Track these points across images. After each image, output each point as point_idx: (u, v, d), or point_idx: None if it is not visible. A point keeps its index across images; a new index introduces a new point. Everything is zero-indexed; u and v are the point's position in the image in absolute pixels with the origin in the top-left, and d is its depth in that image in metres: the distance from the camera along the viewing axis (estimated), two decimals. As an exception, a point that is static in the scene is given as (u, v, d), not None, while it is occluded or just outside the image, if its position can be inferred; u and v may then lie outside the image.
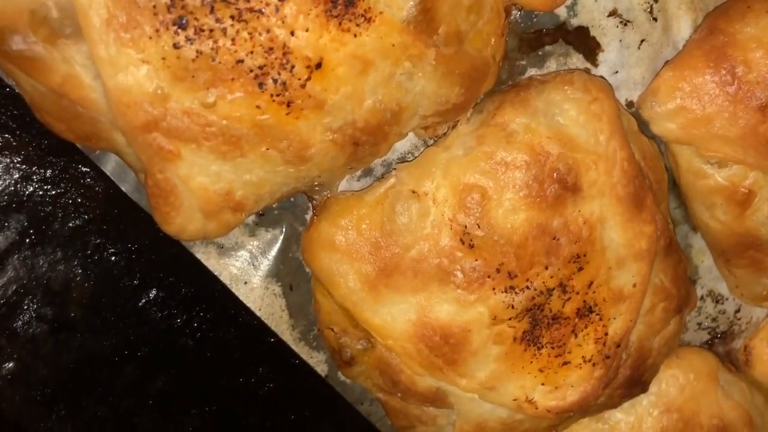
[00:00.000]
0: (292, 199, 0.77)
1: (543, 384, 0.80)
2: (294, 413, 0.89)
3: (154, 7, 0.55)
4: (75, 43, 0.57)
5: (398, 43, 0.61)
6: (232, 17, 0.56)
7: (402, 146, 0.78)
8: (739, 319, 0.98)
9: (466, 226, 0.72)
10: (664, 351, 0.87)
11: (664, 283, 0.81)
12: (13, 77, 0.62)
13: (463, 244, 0.72)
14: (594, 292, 0.77)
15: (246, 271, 0.78)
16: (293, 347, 0.83)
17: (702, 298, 0.95)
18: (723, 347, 1.00)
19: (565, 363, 0.79)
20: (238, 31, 0.57)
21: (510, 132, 0.72)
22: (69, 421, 0.75)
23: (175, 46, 0.56)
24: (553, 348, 0.78)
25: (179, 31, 0.56)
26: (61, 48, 0.57)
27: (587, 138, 0.73)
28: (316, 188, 0.74)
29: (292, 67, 0.59)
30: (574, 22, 0.76)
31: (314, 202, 0.76)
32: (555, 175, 0.72)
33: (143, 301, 0.78)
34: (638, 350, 0.84)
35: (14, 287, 0.70)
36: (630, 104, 0.81)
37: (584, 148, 0.72)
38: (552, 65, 0.78)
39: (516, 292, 0.74)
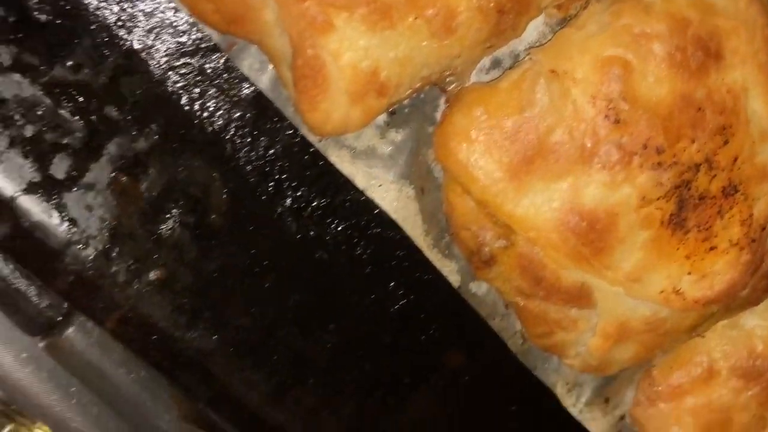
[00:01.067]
0: (422, 95, 0.76)
1: (689, 273, 0.77)
2: (424, 332, 0.88)
3: None
4: None
5: None
6: None
7: (529, 36, 0.76)
8: None
9: (610, 101, 0.70)
10: None
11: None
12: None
13: (608, 120, 0.71)
14: (739, 169, 0.75)
15: (378, 174, 0.77)
16: (427, 254, 0.81)
17: None
18: None
19: (711, 248, 0.77)
20: None
21: (647, 3, 0.71)
22: (215, 331, 0.74)
23: None
24: (699, 231, 0.76)
25: None
26: None
27: (726, 4, 0.71)
28: (449, 79, 0.74)
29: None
30: None
31: (446, 94, 0.75)
32: (697, 42, 0.70)
33: (278, 210, 0.77)
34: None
35: (157, 191, 0.70)
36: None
37: (724, 15, 0.71)
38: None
39: (664, 169, 0.72)
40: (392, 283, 0.85)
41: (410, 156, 0.78)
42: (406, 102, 0.76)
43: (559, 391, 0.93)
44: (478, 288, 0.86)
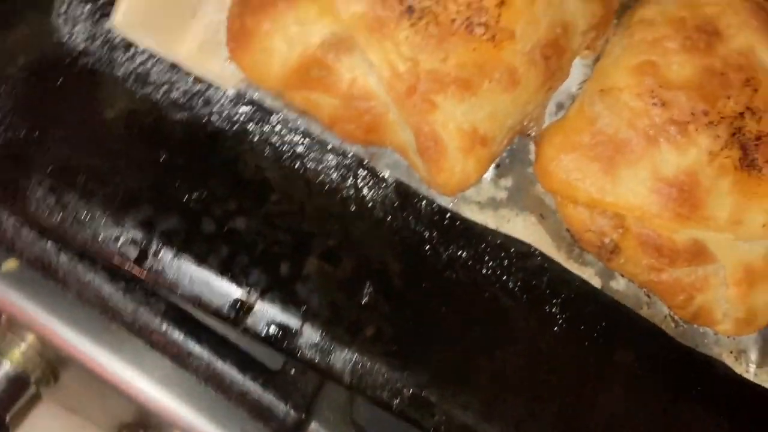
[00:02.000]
0: (514, 145, 1.01)
1: None
2: (589, 340, 1.04)
3: (392, 7, 0.85)
4: (350, 54, 0.88)
5: (546, -25, 0.89)
6: (438, -7, 0.86)
7: (577, 77, 1.01)
8: None
9: (652, 92, 0.93)
10: None
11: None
12: (309, 108, 0.93)
13: (656, 106, 0.93)
14: None
15: (504, 214, 1.00)
16: (566, 265, 1.01)
17: None
18: None
19: (791, 176, 0.93)
20: (446, 1, 0.86)
21: (650, 21, 0.96)
22: (424, 367, 0.95)
23: (412, 26, 0.86)
24: (774, 165, 0.93)
25: (411, 16, 0.86)
26: (343, 61, 0.88)
27: (707, -1, 0.96)
28: (529, 126, 0.99)
29: (487, 10, 0.86)
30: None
31: (532, 139, 1.00)
32: (697, 29, 0.94)
33: (439, 266, 0.99)
34: None
35: (351, 271, 0.95)
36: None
37: (709, 4, 0.95)
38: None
39: (715, 125, 0.92)
40: (546, 306, 1.03)
41: (522, 193, 1.01)
42: (504, 154, 1.00)
43: (728, 361, 1.05)
44: (618, 284, 1.03)
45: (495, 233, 1.00)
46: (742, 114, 0.92)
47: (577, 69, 1.01)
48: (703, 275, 0.98)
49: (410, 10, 0.85)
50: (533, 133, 1.00)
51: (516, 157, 1.02)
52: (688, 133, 0.92)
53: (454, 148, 0.91)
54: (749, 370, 1.05)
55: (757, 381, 1.05)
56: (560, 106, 1.02)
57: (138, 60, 0.94)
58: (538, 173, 0.99)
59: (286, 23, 0.87)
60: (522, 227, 1.01)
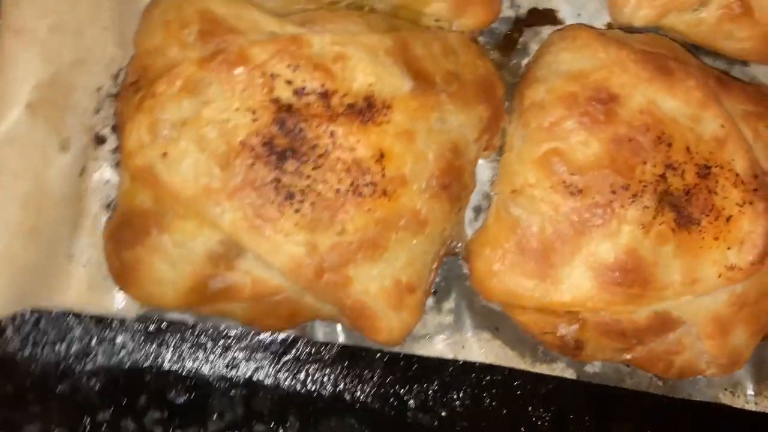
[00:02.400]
0: (444, 267, 0.95)
1: (729, 248, 0.88)
2: (583, 425, 1.00)
3: (269, 199, 0.79)
4: (242, 257, 0.82)
5: (417, 108, 0.83)
6: (314, 168, 0.79)
7: (485, 177, 0.96)
8: None
9: (564, 181, 0.87)
10: None
11: (746, 108, 0.92)
12: (221, 314, 0.87)
13: (573, 194, 0.87)
14: (696, 154, 0.88)
15: (456, 339, 0.95)
16: (535, 371, 0.96)
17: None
18: None
19: (728, 219, 0.88)
20: (324, 175, 0.80)
21: (540, 103, 0.90)
22: None
23: (296, 211, 0.80)
24: (707, 215, 0.88)
25: (292, 201, 0.79)
26: (238, 266, 0.82)
27: (591, 63, 0.90)
28: (453, 245, 0.93)
29: (368, 168, 0.80)
30: (522, 11, 0.97)
31: (460, 256, 0.94)
32: (591, 100, 0.88)
33: (407, 412, 0.94)
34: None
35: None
36: (609, 25, 0.98)
37: (595, 70, 0.89)
38: (534, 47, 0.97)
39: (640, 195, 0.87)
40: (530, 407, 0.99)
41: (468, 310, 0.96)
42: (438, 278, 0.95)
43: (725, 399, 1.01)
44: (593, 367, 0.99)
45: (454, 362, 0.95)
46: (663, 175, 0.87)
47: (483, 169, 0.95)
48: (676, 339, 0.93)
49: (290, 195, 0.80)
50: (459, 250, 0.94)
51: (450, 275, 0.97)
52: (615, 213, 0.87)
53: (383, 308, 0.85)
54: (748, 402, 1.01)
55: (759, 409, 1.01)
56: (478, 210, 0.97)
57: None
58: (478, 290, 0.93)
59: (164, 248, 0.81)
60: (478, 348, 0.96)
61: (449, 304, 0.96)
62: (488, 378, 0.98)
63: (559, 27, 0.98)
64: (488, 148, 0.93)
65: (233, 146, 0.78)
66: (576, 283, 0.89)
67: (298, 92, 0.79)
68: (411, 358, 0.96)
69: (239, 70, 0.78)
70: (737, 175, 0.89)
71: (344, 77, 0.80)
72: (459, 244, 0.94)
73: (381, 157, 0.81)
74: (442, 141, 0.85)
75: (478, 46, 0.92)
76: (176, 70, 0.78)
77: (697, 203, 0.88)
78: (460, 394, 0.97)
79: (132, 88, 0.81)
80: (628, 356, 0.94)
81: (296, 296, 0.85)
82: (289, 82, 0.78)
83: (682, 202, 0.88)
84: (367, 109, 0.80)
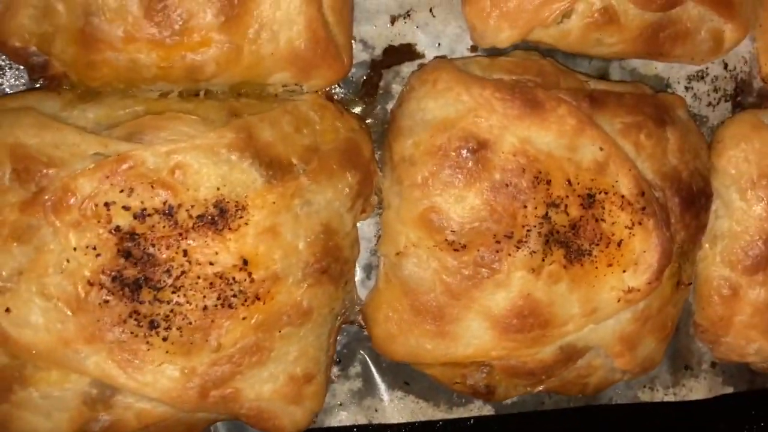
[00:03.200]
0: (344, 332, 0.92)
1: (624, 271, 0.87)
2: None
3: (134, 331, 0.74)
4: (119, 393, 0.77)
5: (276, 199, 0.78)
6: (174, 292, 0.74)
7: (369, 232, 0.92)
8: (734, 69, 1.00)
9: (446, 239, 0.84)
10: (690, 158, 0.92)
11: (625, 120, 0.89)
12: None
13: (458, 250, 0.84)
14: (578, 185, 0.86)
15: (369, 404, 0.93)
16: (453, 416, 0.95)
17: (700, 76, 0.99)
18: (747, 98, 1.02)
19: (620, 243, 0.87)
20: (186, 296, 0.75)
21: (409, 157, 0.86)
22: None
23: (164, 339, 0.75)
24: (597, 244, 0.86)
25: (157, 330, 0.75)
26: (115, 403, 0.77)
27: (455, 108, 0.85)
28: (347, 313, 0.90)
29: (233, 278, 0.76)
30: (377, 53, 0.91)
31: (357, 322, 0.91)
32: (461, 152, 0.84)
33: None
34: (666, 177, 0.90)
35: None
36: (474, 48, 0.92)
37: (460, 116, 0.84)
38: (397, 87, 0.91)
39: (525, 240, 0.84)
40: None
41: (375, 370, 0.94)
42: (339, 348, 0.92)
43: (644, 397, 1.03)
44: (509, 400, 0.98)
45: (370, 427, 0.94)
46: (546, 215, 0.85)
47: (367, 225, 0.92)
48: (585, 363, 0.93)
49: (153, 325, 0.75)
50: (354, 317, 0.91)
51: (352, 339, 0.94)
52: (502, 263, 0.85)
53: (282, 406, 0.83)
54: (667, 393, 1.03)
55: (677, 399, 1.03)
56: (368, 268, 0.94)
57: None
58: (381, 354, 0.91)
59: (33, 402, 0.76)
60: (392, 408, 0.94)
61: (355, 368, 0.94)
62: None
63: (420, 62, 0.92)
64: (365, 211, 0.89)
65: (80, 287, 0.73)
66: (475, 335, 0.87)
67: (139, 216, 0.73)
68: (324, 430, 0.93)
69: (68, 208, 0.71)
70: (623, 197, 0.87)
71: (187, 187, 0.74)
72: (356, 307, 0.91)
73: (245, 263, 0.76)
74: (311, 225, 0.81)
75: (334, 105, 0.86)
76: (-3, 218, 0.71)
77: (585, 235, 0.86)
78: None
79: (-53, 241, 0.74)
80: (541, 387, 0.94)
81: (187, 416, 0.81)
82: (126, 208, 0.72)
83: (570, 237, 0.86)
84: (219, 217, 0.75)
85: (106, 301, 0.73)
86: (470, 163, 0.84)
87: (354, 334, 0.94)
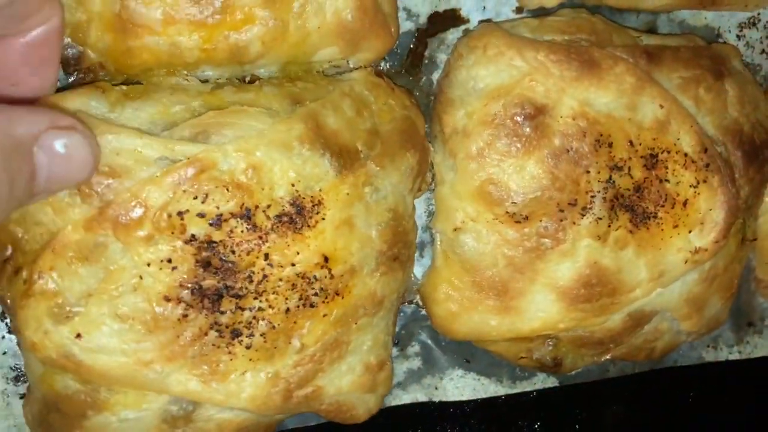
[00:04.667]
0: (401, 313, 0.91)
1: (690, 232, 0.87)
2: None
3: (226, 344, 0.72)
4: (200, 407, 0.75)
5: (349, 190, 0.75)
6: (256, 298, 0.71)
7: (419, 208, 0.90)
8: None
9: (506, 211, 0.83)
10: (750, 110, 0.91)
11: (683, 75, 0.87)
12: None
13: (519, 222, 0.83)
14: (640, 145, 0.85)
15: (429, 382, 0.93)
16: (516, 390, 0.96)
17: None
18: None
19: (684, 203, 0.87)
20: (268, 300, 0.72)
21: (462, 128, 0.84)
22: None
23: (248, 348, 0.72)
24: (663, 205, 0.86)
25: (240, 338, 0.72)
26: (197, 418, 0.75)
27: (509, 74, 0.82)
28: (405, 296, 0.89)
29: (314, 276, 0.73)
30: (422, 20, 0.88)
31: (416, 301, 0.90)
32: (518, 119, 0.82)
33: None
34: (728, 132, 0.90)
35: None
36: (519, 9, 0.90)
37: (516, 82, 0.82)
38: (443, 56, 0.88)
39: (590, 206, 0.84)
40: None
41: (434, 350, 0.94)
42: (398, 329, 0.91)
43: (708, 357, 1.06)
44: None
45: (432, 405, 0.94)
46: (609, 179, 0.84)
47: (420, 203, 0.89)
48: (652, 328, 0.94)
49: (235, 334, 0.73)
50: (410, 297, 0.90)
51: (408, 319, 0.93)
52: (567, 232, 0.84)
53: (359, 396, 0.83)
54: (732, 352, 1.06)
55: (742, 357, 1.06)
56: (421, 246, 0.92)
57: None
58: (442, 330, 0.90)
59: (109, 426, 0.75)
60: (453, 386, 0.95)
61: (414, 348, 0.94)
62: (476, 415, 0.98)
63: (465, 27, 0.89)
64: (421, 189, 0.87)
65: (156, 304, 0.69)
66: (541, 308, 0.87)
67: (215, 223, 0.69)
68: (389, 415, 0.93)
69: (138, 221, 0.66)
70: (686, 155, 0.86)
71: (263, 187, 0.70)
72: (414, 288, 0.91)
73: (326, 261, 0.73)
74: (381, 212, 0.78)
75: (385, 81, 0.83)
76: (59, 238, 0.66)
77: (650, 197, 0.86)
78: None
79: (9, 266, 0.69)
80: (609, 356, 0.95)
81: (266, 419, 0.79)
82: (201, 215, 0.68)
83: (635, 200, 0.86)
84: (297, 215, 0.72)
85: (185, 316, 0.69)
86: (528, 130, 0.82)
87: (411, 314, 0.93)
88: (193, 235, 0.68)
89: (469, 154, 0.83)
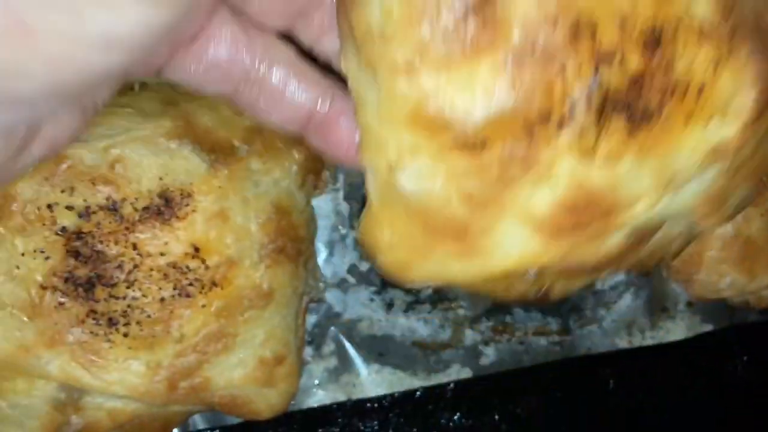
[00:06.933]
0: (313, 312, 0.90)
1: (709, 123, 0.60)
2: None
3: (104, 332, 0.72)
4: (87, 394, 0.75)
5: (222, 183, 0.75)
6: (128, 287, 0.72)
7: (327, 208, 0.90)
8: None
9: (456, 139, 0.59)
10: None
11: None
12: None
13: (476, 149, 0.60)
14: (635, 25, 0.58)
15: (347, 380, 0.91)
16: (431, 383, 0.93)
17: None
18: None
19: (699, 90, 0.59)
20: (141, 289, 0.73)
21: (378, 30, 0.58)
22: None
23: (125, 336, 0.73)
24: (670, 98, 0.60)
25: (117, 327, 0.73)
26: (85, 405, 0.76)
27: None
28: (313, 293, 0.88)
29: (187, 266, 0.74)
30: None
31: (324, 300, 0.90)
32: (455, 11, 0.55)
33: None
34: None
35: None
36: None
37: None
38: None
39: (568, 117, 0.58)
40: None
41: (350, 346, 0.92)
42: (310, 327, 0.90)
43: (622, 343, 0.99)
44: (487, 358, 0.94)
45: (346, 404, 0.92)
46: (594, 76, 0.58)
47: (323, 202, 0.89)
48: (660, 237, 0.62)
49: (112, 322, 0.73)
50: (320, 296, 0.90)
51: (320, 317, 0.91)
52: (540, 154, 0.59)
53: (255, 391, 0.80)
54: (645, 338, 1.01)
55: (656, 341, 1.01)
56: (330, 244, 0.90)
57: None
58: (396, 281, 0.66)
59: (3, 413, 0.75)
60: (370, 381, 0.92)
61: (329, 346, 0.92)
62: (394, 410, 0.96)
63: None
64: (318, 187, 0.86)
65: (34, 292, 0.72)
66: (515, 243, 0.64)
67: (83, 214, 0.72)
68: (307, 417, 0.92)
69: (10, 214, 0.69)
70: (701, 26, 0.59)
71: (129, 181, 0.73)
72: (321, 284, 0.90)
73: (197, 251, 0.74)
74: (261, 206, 0.78)
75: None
76: (-65, 232, 0.69)
77: (651, 92, 0.59)
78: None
79: None
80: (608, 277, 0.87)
81: (161, 410, 0.79)
82: (70, 208, 0.71)
83: (632, 98, 0.60)
84: (165, 206, 0.73)
85: (62, 303, 0.72)
86: (473, 27, 0.56)
87: (324, 312, 0.92)
88: (63, 227, 0.71)
89: (395, 66, 0.59)
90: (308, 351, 0.91)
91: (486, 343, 0.95)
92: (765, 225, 0.97)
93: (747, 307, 1.03)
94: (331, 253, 0.91)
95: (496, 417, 1.00)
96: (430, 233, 0.65)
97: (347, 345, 0.92)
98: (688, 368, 1.05)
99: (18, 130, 0.44)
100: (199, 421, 0.90)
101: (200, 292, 0.75)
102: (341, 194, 0.91)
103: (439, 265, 0.67)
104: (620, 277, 0.99)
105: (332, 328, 0.92)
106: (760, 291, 1.01)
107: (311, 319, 0.91)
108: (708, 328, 1.03)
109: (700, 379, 1.06)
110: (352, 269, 0.92)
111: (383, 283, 0.92)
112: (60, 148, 0.50)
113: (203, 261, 0.75)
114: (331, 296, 0.92)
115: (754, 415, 1.06)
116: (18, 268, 0.72)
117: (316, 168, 0.85)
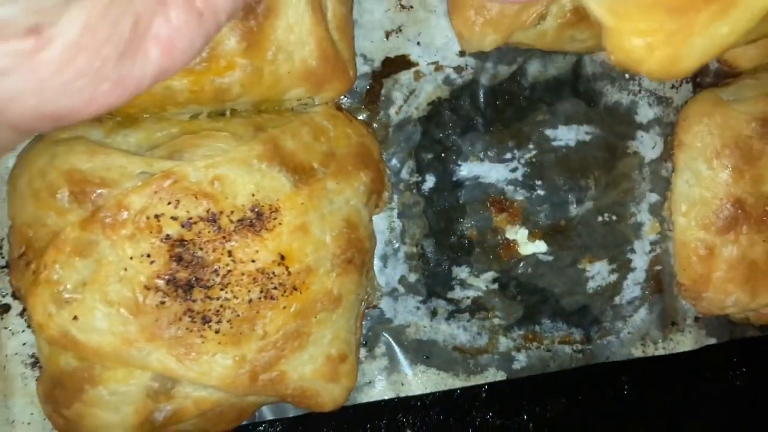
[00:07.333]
0: (368, 317, 1.00)
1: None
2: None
3: (189, 327, 0.80)
4: (178, 384, 0.84)
5: (304, 200, 0.86)
6: (222, 289, 0.82)
7: (382, 225, 1.00)
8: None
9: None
10: None
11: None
12: None
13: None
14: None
15: (395, 379, 1.01)
16: (471, 383, 1.03)
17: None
18: (705, 79, 1.11)
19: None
20: (233, 291, 0.82)
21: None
22: None
23: (217, 332, 0.82)
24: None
25: (210, 324, 0.81)
26: (175, 394, 0.84)
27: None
28: (370, 299, 0.97)
29: (273, 272, 0.84)
30: (376, 65, 1.01)
31: (379, 306, 0.99)
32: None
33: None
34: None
35: None
36: (462, 53, 1.01)
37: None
38: (397, 94, 1.00)
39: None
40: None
41: (398, 348, 1.02)
42: (364, 332, 0.99)
43: (637, 353, 1.10)
44: (519, 363, 1.06)
45: (392, 401, 1.02)
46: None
47: (380, 220, 0.99)
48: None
49: (205, 320, 0.83)
50: (375, 302, 0.99)
51: (374, 323, 1.02)
52: None
53: (322, 385, 0.91)
54: (658, 348, 1.11)
55: (667, 352, 1.11)
56: (384, 258, 1.01)
57: None
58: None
59: (102, 399, 0.85)
60: (416, 380, 1.03)
61: (380, 348, 1.02)
62: (432, 409, 1.05)
63: (415, 69, 1.00)
64: (378, 206, 0.96)
65: (139, 292, 0.81)
66: None
67: (186, 224, 0.81)
68: (358, 412, 1.01)
69: (122, 222, 0.78)
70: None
71: (226, 196, 0.82)
72: (378, 293, 0.99)
73: (282, 259, 0.84)
74: (335, 221, 0.89)
75: (344, 113, 0.95)
76: (61, 237, 0.78)
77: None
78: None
79: (22, 261, 0.82)
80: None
81: (239, 400, 0.88)
82: (174, 218, 0.81)
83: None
84: (257, 220, 0.83)
85: (162, 303, 0.80)
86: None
87: (376, 318, 1.02)
88: (167, 235, 0.80)
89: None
90: (362, 352, 1.00)
91: (518, 349, 1.05)
92: (767, 250, 1.08)
93: (747, 323, 1.14)
94: (384, 265, 1.01)
95: (525, 417, 1.10)
96: (680, 11, 0.64)
97: (396, 348, 1.02)
98: (694, 376, 1.16)
99: None
100: (266, 412, 0.98)
101: (282, 295, 0.84)
102: (395, 213, 1.01)
103: (706, 37, 0.66)
104: (636, 293, 1.10)
105: (384, 333, 1.02)
106: (760, 309, 1.12)
107: (366, 323, 1.01)
108: (712, 341, 1.14)
109: (705, 386, 1.16)
110: (402, 280, 1.02)
111: (429, 294, 1.02)
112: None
113: (287, 268, 0.84)
114: (383, 304, 1.02)
115: (752, 419, 1.17)
116: (126, 270, 0.80)
117: (379, 189, 0.96)
